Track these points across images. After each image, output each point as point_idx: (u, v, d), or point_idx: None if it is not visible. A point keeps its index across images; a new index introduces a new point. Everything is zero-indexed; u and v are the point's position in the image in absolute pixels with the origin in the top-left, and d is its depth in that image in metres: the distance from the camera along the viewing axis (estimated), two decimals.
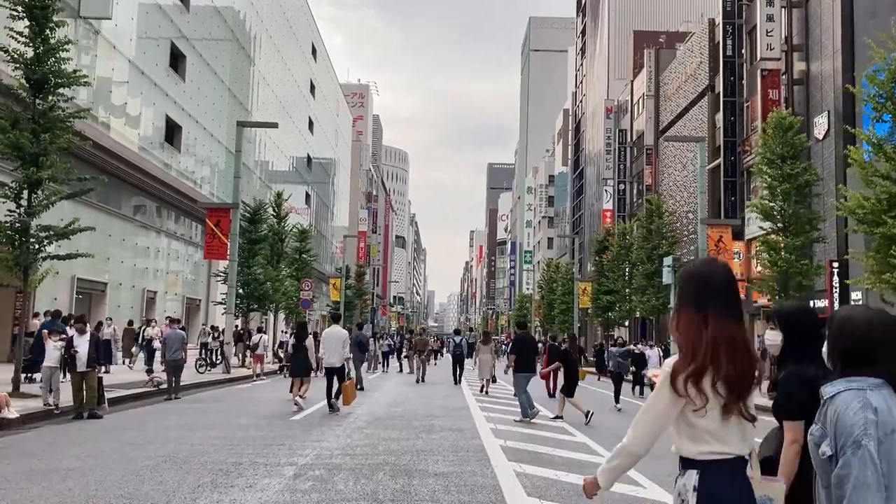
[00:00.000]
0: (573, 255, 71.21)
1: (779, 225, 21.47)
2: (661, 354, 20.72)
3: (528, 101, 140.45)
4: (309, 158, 66.75)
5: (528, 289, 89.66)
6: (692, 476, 2.47)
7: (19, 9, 14.88)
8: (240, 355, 27.42)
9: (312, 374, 15.54)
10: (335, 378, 14.58)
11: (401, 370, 32.57)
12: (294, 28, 60.93)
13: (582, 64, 79.89)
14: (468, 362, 29.18)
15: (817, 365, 3.19)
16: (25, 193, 14.82)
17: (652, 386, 3.81)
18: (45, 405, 13.12)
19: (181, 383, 17.20)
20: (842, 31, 27.50)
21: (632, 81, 55.38)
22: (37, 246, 14.89)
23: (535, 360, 15.30)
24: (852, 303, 25.72)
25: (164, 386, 17.03)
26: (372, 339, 36.24)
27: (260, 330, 28.84)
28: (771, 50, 31.12)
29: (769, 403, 3.49)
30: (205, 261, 36.89)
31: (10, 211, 14.85)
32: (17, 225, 14.69)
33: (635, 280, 37.22)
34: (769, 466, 3.10)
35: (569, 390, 14.68)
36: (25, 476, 7.60)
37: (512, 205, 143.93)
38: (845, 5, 27.39)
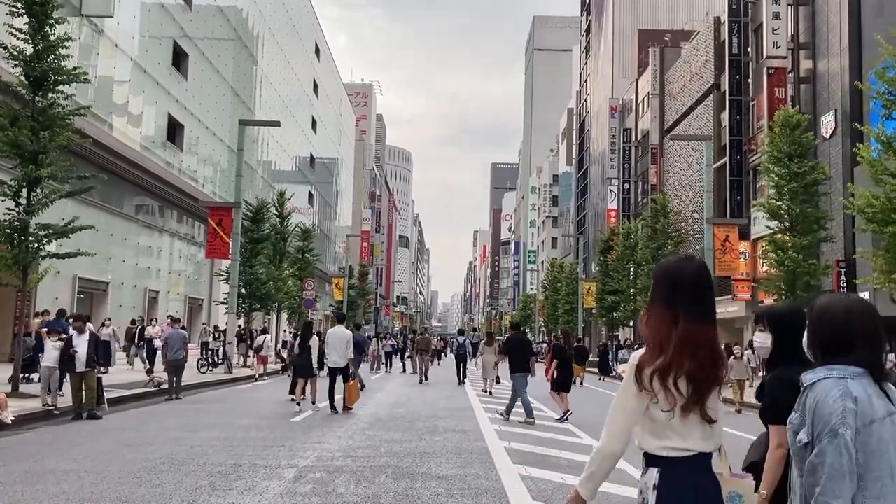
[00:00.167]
0: (577, 255, 70.80)
1: (786, 224, 21.23)
2: None
3: (533, 101, 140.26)
4: (312, 158, 66.63)
5: (531, 289, 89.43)
6: (653, 474, 2.44)
7: (18, 5, 14.74)
8: (241, 355, 27.26)
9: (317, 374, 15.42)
10: (338, 378, 14.50)
11: (404, 370, 32.41)
12: (297, 27, 60.81)
13: (586, 63, 79.66)
14: (472, 363, 29.03)
15: (807, 367, 3.04)
16: (24, 191, 14.69)
17: None
18: (43, 405, 12.97)
19: (182, 383, 17.06)
20: (849, 29, 27.28)
21: (636, 80, 55.16)
22: (36, 245, 14.75)
23: (530, 360, 15.21)
24: None
25: (165, 386, 16.88)
26: (375, 338, 36.11)
27: (264, 330, 28.74)
28: (777, 48, 30.89)
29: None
30: (207, 260, 36.75)
31: (8, 209, 14.71)
32: (16, 223, 14.55)
33: (640, 280, 36.98)
34: (755, 471, 3.09)
35: (561, 386, 14.51)
36: (20, 478, 7.44)
37: (516, 204, 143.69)
38: (853, 3, 27.16)
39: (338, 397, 14.49)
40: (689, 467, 2.42)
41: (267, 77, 51.10)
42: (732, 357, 18.15)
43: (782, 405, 2.93)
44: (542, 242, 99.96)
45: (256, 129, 46.93)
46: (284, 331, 38.50)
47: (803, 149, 21.30)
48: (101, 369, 13.75)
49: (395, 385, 23.78)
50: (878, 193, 16.24)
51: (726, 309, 31.87)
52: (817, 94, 29.48)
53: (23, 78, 14.76)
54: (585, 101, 78.13)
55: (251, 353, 27.91)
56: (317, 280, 43.81)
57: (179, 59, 35.66)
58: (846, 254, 26.17)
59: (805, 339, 2.58)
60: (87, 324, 14.05)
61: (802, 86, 30.47)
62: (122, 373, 21.40)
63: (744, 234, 30.07)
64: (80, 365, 12.66)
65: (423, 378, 25.10)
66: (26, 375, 16.03)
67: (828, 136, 27.85)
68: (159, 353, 23.10)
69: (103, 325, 22.92)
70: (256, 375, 23.94)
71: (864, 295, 24.66)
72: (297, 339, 16.08)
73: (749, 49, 35.06)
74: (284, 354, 27.34)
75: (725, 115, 36.25)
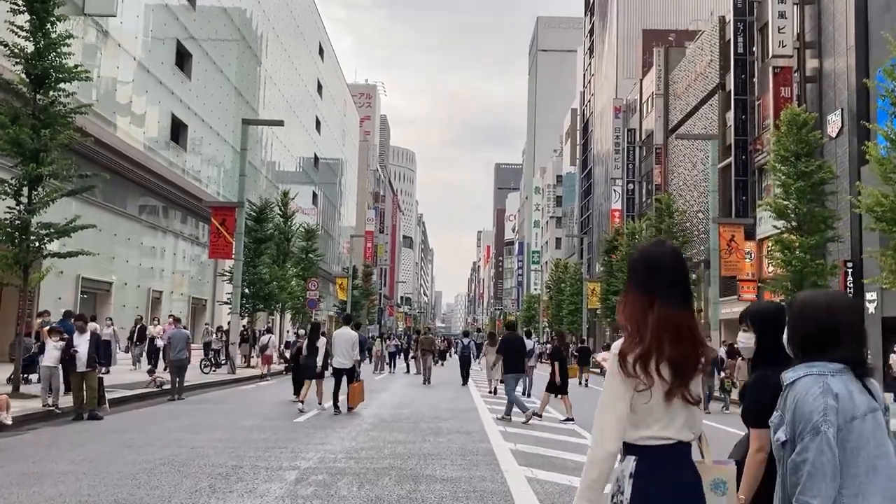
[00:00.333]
0: (581, 256, 70.79)
1: (793, 223, 21.03)
2: None
3: (536, 102, 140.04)
4: (316, 158, 66.55)
5: (535, 289, 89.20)
6: (630, 462, 2.40)
7: (20, 2, 14.64)
8: (244, 355, 27.16)
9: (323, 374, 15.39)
10: (343, 379, 14.43)
11: (408, 371, 32.28)
12: (301, 27, 60.73)
13: (590, 63, 79.47)
14: (475, 363, 28.88)
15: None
16: (25, 190, 14.58)
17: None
18: (44, 406, 12.85)
19: (185, 384, 16.94)
20: (856, 28, 27.08)
21: (641, 80, 54.96)
22: (37, 244, 14.64)
23: (524, 361, 15.11)
24: (867, 304, 25.30)
25: (167, 386, 16.76)
26: (379, 339, 35.97)
27: (268, 330, 28.61)
28: (783, 47, 30.70)
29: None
30: (211, 260, 36.67)
31: (9, 208, 14.60)
32: (17, 222, 14.44)
33: None
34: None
35: (554, 388, 14.37)
36: (17, 480, 7.31)
37: (520, 205, 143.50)
38: (859, 1, 26.97)
39: (342, 398, 14.36)
40: (667, 456, 2.38)
41: (271, 77, 51.02)
42: (741, 358, 17.94)
43: (763, 407, 2.83)
44: (546, 243, 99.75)
45: (260, 129, 46.86)
46: (287, 331, 38.37)
47: (810, 148, 21.10)
48: (103, 369, 13.61)
49: (399, 386, 23.64)
50: (886, 192, 16.06)
51: (731, 309, 31.65)
52: (823, 93, 29.27)
53: (24, 76, 14.65)
54: (589, 101, 77.94)
55: (254, 353, 27.85)
56: (320, 280, 43.66)
57: (183, 59, 35.58)
58: (853, 254, 25.98)
59: (785, 335, 2.51)
60: (92, 323, 13.94)
61: (808, 85, 30.27)
62: (124, 373, 21.28)
63: (749, 235, 29.88)
64: (81, 365, 12.54)
65: (426, 380, 24.95)
66: (25, 376, 15.91)
67: (834, 135, 27.64)
68: (161, 353, 23.09)
69: (106, 324, 22.84)
70: (262, 374, 23.91)
71: (872, 295, 24.51)
72: (306, 340, 16.03)
73: (754, 48, 34.87)
74: (287, 354, 27.23)
75: (731, 115, 36.05)
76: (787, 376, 2.33)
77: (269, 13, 50.37)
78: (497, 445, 10.27)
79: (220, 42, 40.51)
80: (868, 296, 25.06)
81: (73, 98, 15.45)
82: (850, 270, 25.67)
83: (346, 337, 14.70)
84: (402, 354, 36.84)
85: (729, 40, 36.65)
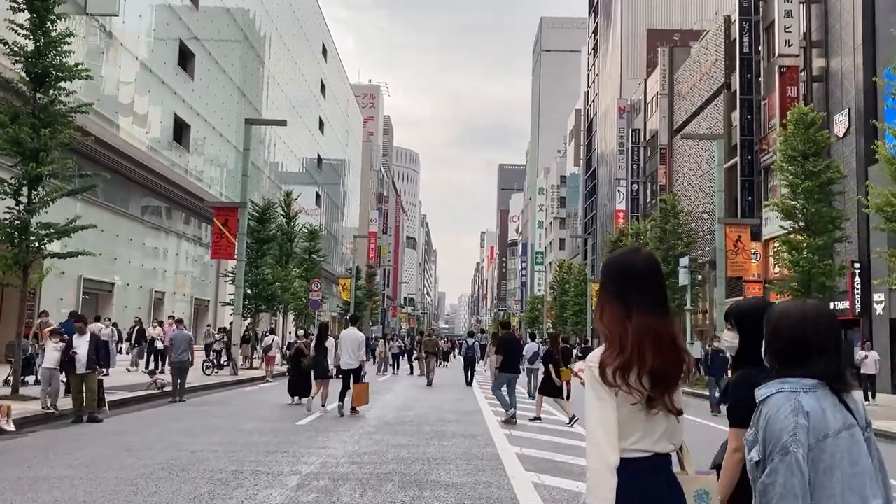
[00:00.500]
0: (585, 256, 70.57)
1: (800, 224, 20.80)
2: None
3: (540, 102, 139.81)
4: (319, 159, 66.41)
5: (539, 290, 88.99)
6: None
7: (20, 1, 14.49)
8: (245, 356, 26.99)
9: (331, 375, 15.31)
10: (350, 379, 14.39)
11: (411, 372, 32.09)
12: (304, 28, 60.60)
13: (594, 63, 79.27)
14: (480, 364, 28.68)
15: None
16: (25, 190, 14.43)
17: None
18: (43, 408, 12.69)
19: (186, 385, 16.77)
20: (863, 26, 26.88)
21: (645, 80, 54.76)
22: (37, 244, 14.48)
23: (519, 361, 15.00)
24: (875, 305, 25.08)
25: (169, 388, 16.59)
26: (382, 340, 35.78)
27: (272, 331, 28.45)
28: (789, 46, 30.50)
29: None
30: (213, 261, 36.54)
31: (9, 208, 14.45)
32: (17, 222, 14.29)
33: None
34: (719, 474, 2.98)
35: (548, 390, 14.19)
36: (11, 486, 7.15)
37: (523, 206, 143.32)
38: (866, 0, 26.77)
39: (347, 399, 14.23)
40: (646, 468, 2.31)
41: (274, 77, 50.89)
42: None
43: (744, 407, 2.78)
44: (550, 244, 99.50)
45: (264, 130, 46.74)
46: (290, 332, 38.22)
47: (818, 147, 20.87)
48: (103, 371, 13.44)
49: (403, 387, 23.46)
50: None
51: None
52: (830, 92, 29.06)
53: (24, 74, 14.51)
54: (593, 101, 77.75)
55: (256, 354, 27.70)
56: (324, 281, 43.51)
57: (186, 59, 35.46)
58: (860, 254, 25.76)
59: (763, 347, 2.43)
60: (96, 324, 13.79)
61: (815, 84, 30.07)
62: (124, 374, 21.14)
63: (755, 235, 29.66)
64: (81, 367, 12.39)
65: (429, 382, 24.74)
66: (22, 378, 15.76)
67: (841, 135, 27.43)
68: (160, 353, 22.94)
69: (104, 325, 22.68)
70: (265, 375, 23.78)
71: (880, 297, 24.29)
72: (313, 341, 15.99)
73: (760, 48, 34.66)
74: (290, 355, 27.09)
75: (736, 115, 35.85)
76: (760, 392, 2.27)
77: (272, 13, 50.25)
78: (502, 449, 10.08)
79: (224, 42, 40.38)
80: (876, 297, 24.84)
81: (74, 97, 15.29)
82: (857, 271, 25.48)
83: (353, 337, 14.70)
84: (405, 356, 36.66)
85: (734, 40, 36.44)
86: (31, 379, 16.28)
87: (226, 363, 25.12)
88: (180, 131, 35.08)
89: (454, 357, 47.42)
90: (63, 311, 22.00)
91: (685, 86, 45.48)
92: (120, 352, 24.57)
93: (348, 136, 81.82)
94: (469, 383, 24.14)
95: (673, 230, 35.16)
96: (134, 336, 24.05)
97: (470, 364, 25.37)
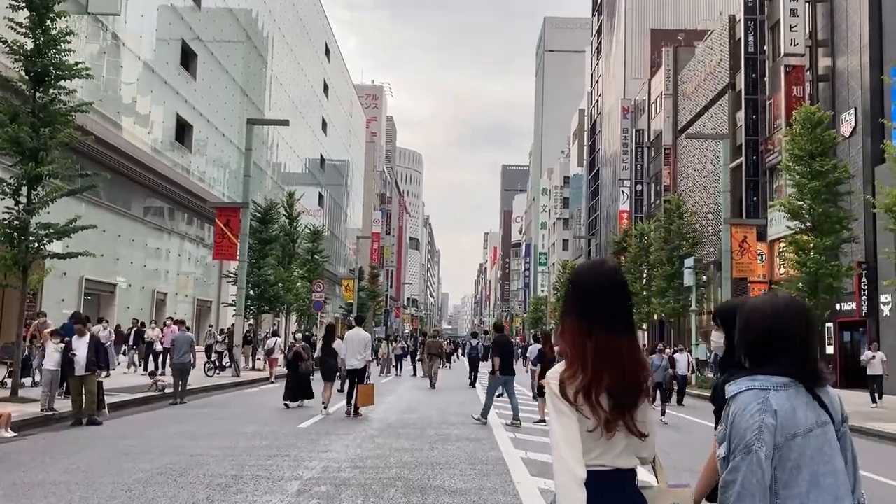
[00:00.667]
0: (589, 257, 70.36)
1: (807, 224, 20.59)
2: (690, 359, 19.79)
3: (544, 102, 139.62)
4: (322, 159, 66.27)
5: (542, 291, 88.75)
6: None
7: None
8: (247, 358, 26.84)
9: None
10: (355, 380, 14.36)
11: (414, 374, 31.93)
12: (307, 28, 60.46)
13: (598, 64, 79.05)
14: (484, 365, 28.39)
15: None
16: (24, 190, 14.28)
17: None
18: (42, 410, 12.55)
19: (188, 387, 16.62)
20: (869, 25, 26.66)
21: (649, 80, 54.54)
22: (36, 245, 14.34)
23: (513, 363, 14.90)
24: (882, 306, 24.86)
25: (170, 390, 16.44)
26: (385, 341, 35.61)
27: (274, 333, 28.30)
28: (795, 45, 30.28)
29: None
30: (216, 262, 36.39)
31: (8, 208, 14.31)
32: (16, 222, 14.15)
33: (655, 282, 36.37)
34: None
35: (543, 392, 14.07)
36: (6, 492, 6.99)
37: (526, 206, 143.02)
38: None
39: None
40: (604, 481, 2.25)
41: (277, 78, 50.75)
42: None
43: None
44: (553, 244, 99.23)
45: (266, 130, 46.60)
46: (292, 332, 38.08)
47: (825, 147, 20.65)
48: (103, 373, 13.30)
49: (406, 389, 23.30)
50: None
51: None
52: (836, 91, 28.84)
53: (23, 73, 14.36)
54: (597, 102, 77.52)
55: (257, 355, 27.56)
56: (326, 282, 43.37)
57: (188, 59, 35.34)
58: (866, 255, 25.54)
59: (736, 344, 2.41)
60: (97, 325, 13.64)
61: (821, 84, 29.85)
62: (126, 377, 21.00)
63: (760, 236, 29.44)
64: (80, 369, 12.24)
65: (432, 385, 24.54)
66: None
67: (847, 134, 27.21)
68: (161, 355, 22.80)
69: (118, 328, 22.56)
70: (268, 377, 23.65)
71: (887, 297, 24.07)
72: (321, 342, 15.92)
73: (765, 47, 34.44)
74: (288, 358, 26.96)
75: (741, 115, 35.62)
76: (730, 389, 2.22)
77: (275, 13, 50.12)
78: (507, 454, 9.91)
79: (226, 42, 40.26)
80: (883, 298, 24.62)
81: (74, 96, 15.15)
82: (864, 272, 25.26)
83: (359, 338, 14.65)
84: (408, 357, 36.51)
85: (739, 39, 36.23)
86: (27, 381, 16.13)
87: (227, 364, 24.98)
88: (183, 132, 34.95)
89: (457, 358, 47.25)
90: (65, 312, 21.85)
91: (689, 86, 45.27)
92: (123, 353, 24.40)
93: (351, 136, 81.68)
94: (473, 385, 23.97)
95: (678, 231, 34.95)
96: (132, 337, 23.88)
97: (475, 364, 25.20)
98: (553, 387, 2.30)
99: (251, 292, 28.38)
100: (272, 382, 23.26)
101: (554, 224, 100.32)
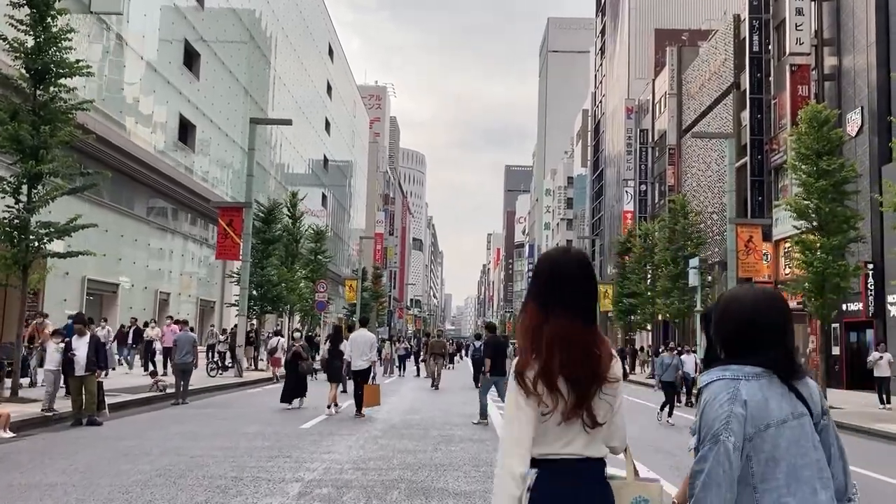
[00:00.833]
0: (593, 258, 70.19)
1: (814, 224, 20.40)
2: (698, 360, 19.57)
3: (547, 103, 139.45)
4: (326, 160, 66.18)
5: None
6: (531, 475, 2.27)
7: None
8: (249, 358, 26.73)
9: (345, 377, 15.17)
10: (361, 381, 14.31)
11: (418, 374, 31.80)
12: (311, 28, 60.38)
13: (601, 64, 78.88)
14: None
15: None
16: (25, 188, 14.18)
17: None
18: (43, 410, 12.43)
19: (190, 387, 16.50)
20: (876, 23, 26.48)
21: (653, 80, 54.37)
22: (36, 244, 14.23)
23: (507, 363, 14.79)
24: (889, 307, 24.66)
25: (171, 390, 16.33)
26: (388, 342, 35.49)
27: (277, 333, 28.18)
28: (801, 44, 30.10)
29: None
30: (219, 262, 36.31)
31: (8, 207, 14.20)
32: (16, 221, 14.04)
33: (659, 283, 36.20)
34: None
35: None
36: (1, 494, 6.86)
37: (530, 207, 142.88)
38: None
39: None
40: (571, 471, 2.26)
41: (280, 78, 50.67)
42: None
43: None
44: (557, 245, 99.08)
45: (270, 131, 46.51)
46: (295, 332, 37.98)
47: (832, 145, 20.46)
48: (102, 373, 13.18)
49: (409, 389, 23.17)
50: None
51: None
52: (842, 91, 28.66)
53: (23, 71, 14.25)
54: (601, 102, 77.35)
55: (259, 355, 27.44)
56: (329, 282, 43.26)
57: (191, 58, 35.26)
58: (873, 255, 25.35)
59: (711, 335, 2.35)
60: (100, 324, 13.52)
61: (827, 83, 29.67)
62: (127, 377, 20.88)
63: (765, 236, 29.26)
64: (80, 369, 12.13)
65: (435, 386, 24.38)
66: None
67: (854, 134, 27.03)
68: (159, 355, 22.69)
69: (122, 328, 22.44)
70: (272, 377, 23.55)
71: (894, 297, 23.87)
72: (328, 343, 15.83)
73: (770, 46, 34.27)
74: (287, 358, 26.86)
75: (746, 115, 35.46)
76: (702, 379, 2.20)
77: (278, 13, 50.03)
78: None
79: (229, 43, 40.17)
80: (890, 298, 24.43)
81: (74, 94, 15.04)
82: (871, 272, 25.08)
83: (364, 338, 14.62)
84: (412, 357, 36.38)
85: (744, 38, 36.05)
86: (24, 381, 16.01)
87: (230, 365, 24.86)
88: (186, 132, 34.86)
89: (460, 359, 47.11)
90: (68, 313, 21.74)
91: (694, 85, 45.10)
92: (126, 355, 24.30)
93: (355, 137, 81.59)
94: (477, 385, 23.81)
95: (682, 231, 34.79)
96: (130, 337, 23.76)
97: (478, 365, 25.04)
98: (511, 379, 2.28)
99: (254, 292, 28.28)
100: (275, 382, 23.12)
101: (557, 225, 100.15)
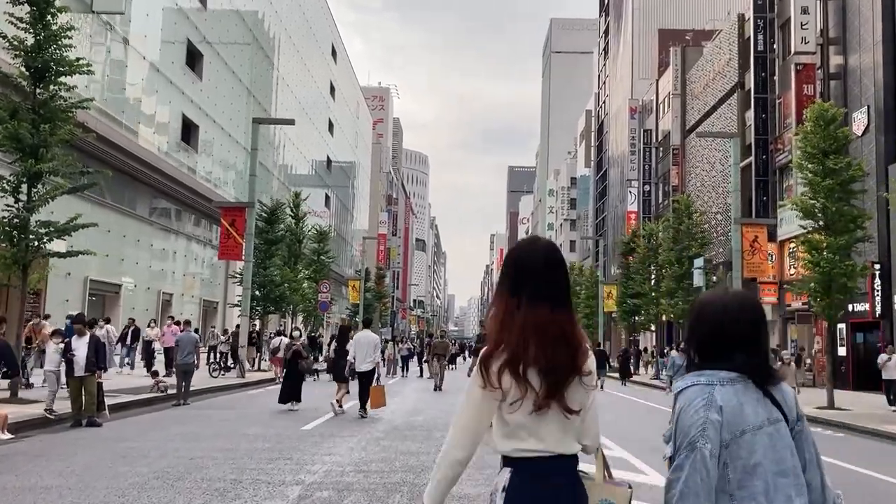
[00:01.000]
0: (596, 259, 69.98)
1: (820, 223, 20.22)
2: None
3: (550, 104, 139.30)
4: (329, 161, 66.11)
5: None
6: (504, 475, 2.25)
7: None
8: (251, 358, 26.61)
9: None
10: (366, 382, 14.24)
11: (421, 375, 31.66)
12: (314, 29, 60.31)
13: (605, 64, 78.74)
14: None
15: None
16: (24, 187, 14.07)
17: None
18: (45, 410, 12.31)
19: (191, 388, 16.38)
20: (882, 22, 26.31)
21: (657, 81, 54.23)
22: (36, 243, 14.11)
23: None
24: (895, 307, 24.47)
25: (172, 391, 16.20)
26: (391, 342, 35.37)
27: (280, 333, 28.06)
28: (806, 43, 29.94)
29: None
30: (222, 262, 36.21)
31: (7, 206, 14.09)
32: (16, 221, 13.93)
33: (663, 283, 36.02)
34: None
35: None
36: None
37: (533, 208, 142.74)
38: None
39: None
40: (545, 469, 2.22)
41: (283, 79, 50.59)
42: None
43: None
44: (560, 246, 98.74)
45: (273, 132, 46.43)
46: (290, 330, 37.88)
47: (839, 144, 20.28)
48: (101, 373, 13.05)
49: (412, 390, 23.04)
50: None
51: None
52: (848, 89, 28.48)
53: (23, 69, 14.15)
54: (604, 102, 77.20)
55: (262, 356, 27.31)
56: (332, 282, 43.14)
57: (194, 59, 35.19)
58: (880, 254, 25.17)
59: (686, 339, 2.33)
60: (99, 324, 13.41)
61: (832, 82, 29.50)
62: (128, 377, 20.77)
63: (770, 236, 29.08)
64: (79, 369, 12.01)
65: (438, 387, 24.21)
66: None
67: (860, 133, 26.84)
68: (158, 356, 22.57)
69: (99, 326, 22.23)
70: (274, 377, 23.47)
71: None
72: (334, 344, 15.76)
73: (775, 46, 34.09)
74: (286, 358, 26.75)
75: (750, 114, 35.29)
76: (676, 385, 2.17)
77: (281, 14, 49.96)
78: None
79: (232, 43, 40.10)
80: None
81: (74, 92, 14.93)
82: (878, 272, 24.90)
83: (368, 339, 14.61)
84: (415, 358, 36.25)
85: (748, 38, 35.88)
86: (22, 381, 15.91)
87: (232, 365, 24.75)
88: (189, 132, 34.78)
89: (463, 360, 46.97)
90: (70, 313, 21.64)
91: (698, 85, 44.93)
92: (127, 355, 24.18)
93: (358, 138, 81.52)
94: None
95: (687, 231, 34.62)
96: (129, 337, 23.65)
97: None
98: (474, 370, 2.26)
99: (257, 292, 28.18)
100: (278, 383, 23.00)
101: (561, 225, 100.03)
